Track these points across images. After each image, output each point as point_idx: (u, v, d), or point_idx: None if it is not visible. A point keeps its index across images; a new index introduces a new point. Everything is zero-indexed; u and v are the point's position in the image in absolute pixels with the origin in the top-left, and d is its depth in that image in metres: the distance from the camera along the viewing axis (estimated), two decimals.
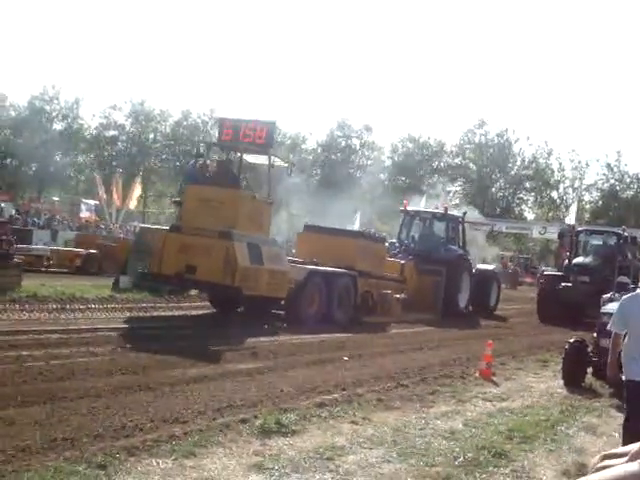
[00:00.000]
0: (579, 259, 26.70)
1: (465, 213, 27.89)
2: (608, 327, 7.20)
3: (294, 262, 17.90)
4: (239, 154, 17.33)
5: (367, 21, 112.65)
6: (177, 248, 15.59)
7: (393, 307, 20.54)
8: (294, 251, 22.05)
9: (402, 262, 22.69)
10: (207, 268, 15.12)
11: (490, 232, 59.59)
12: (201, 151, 17.93)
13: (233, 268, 14.89)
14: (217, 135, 17.73)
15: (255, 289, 15.61)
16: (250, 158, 17.67)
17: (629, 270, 24.77)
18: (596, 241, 28.54)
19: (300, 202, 33.47)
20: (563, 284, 25.61)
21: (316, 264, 18.11)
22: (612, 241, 27.53)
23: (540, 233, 58.62)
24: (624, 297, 7.23)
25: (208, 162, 17.44)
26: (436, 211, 26.74)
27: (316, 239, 19.94)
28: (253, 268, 15.44)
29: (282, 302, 16.97)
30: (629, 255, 27.22)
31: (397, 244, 24.98)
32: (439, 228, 26.18)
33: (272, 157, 17.40)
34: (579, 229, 29.68)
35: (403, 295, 21.30)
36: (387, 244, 23.55)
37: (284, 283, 16.32)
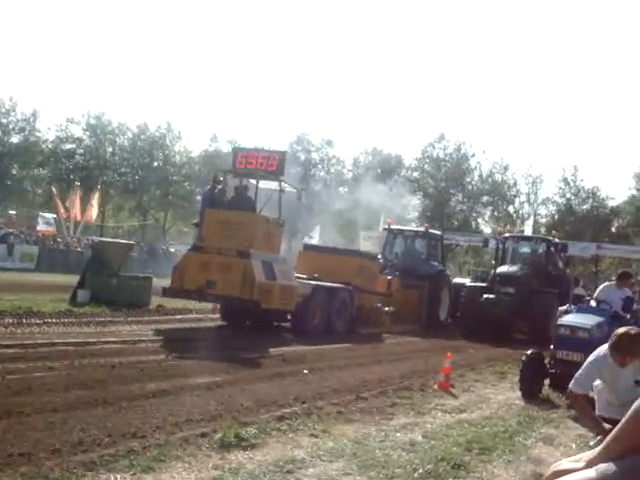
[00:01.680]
0: (503, 268, 24.67)
1: (443, 232, 29.45)
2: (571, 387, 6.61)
3: (298, 278, 19.17)
4: (251, 180, 18.76)
5: (327, 37, 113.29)
6: (198, 265, 17.34)
7: (383, 319, 22.42)
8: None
9: (389, 277, 24.01)
10: (227, 283, 16.89)
11: (456, 246, 60.24)
12: (219, 178, 19.22)
13: (251, 283, 16.69)
14: (232, 163, 19.60)
15: (270, 302, 17.31)
16: (261, 184, 18.72)
17: (560, 281, 23.97)
18: (524, 249, 26.65)
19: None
20: (485, 296, 23.57)
21: (317, 280, 19.53)
22: (541, 249, 26.04)
23: None
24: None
25: (226, 188, 18.82)
26: (418, 229, 28.64)
27: (315, 257, 21.76)
28: (268, 283, 17.20)
29: (289, 316, 18.77)
30: (560, 264, 25.95)
31: (382, 260, 25.48)
32: (421, 245, 27.66)
33: (282, 183, 18.78)
34: (505, 235, 27.39)
35: (391, 308, 22.94)
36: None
37: (293, 297, 18.07)
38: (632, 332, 5.92)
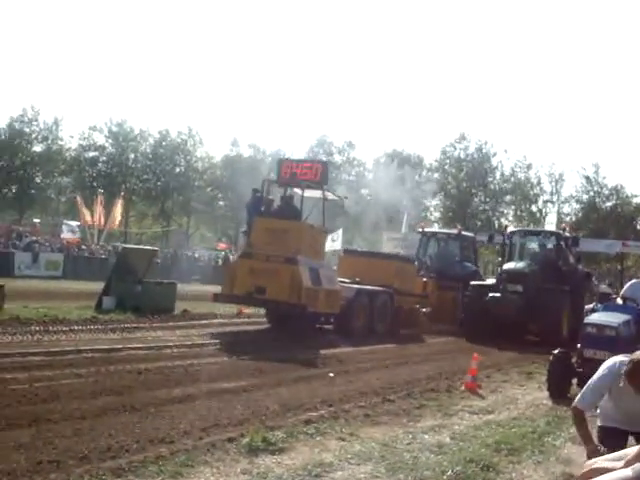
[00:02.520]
0: (509, 265, 23.13)
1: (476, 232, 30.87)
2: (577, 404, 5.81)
3: (341, 282, 19.92)
4: (296, 189, 19.62)
5: (346, 39, 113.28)
6: (248, 271, 18.09)
7: (421, 320, 22.74)
8: None
9: (425, 279, 24.65)
10: (275, 289, 17.63)
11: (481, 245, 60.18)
12: (264, 187, 19.91)
13: (299, 288, 17.46)
14: (277, 173, 20.52)
15: (316, 306, 18.07)
16: (305, 193, 19.54)
17: (572, 277, 23.05)
18: (532, 244, 25.22)
19: None
20: (491, 295, 22.18)
21: (359, 283, 20.32)
22: (551, 243, 24.45)
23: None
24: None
25: (272, 197, 19.75)
26: (451, 232, 29.18)
27: (356, 261, 22.56)
28: (314, 289, 17.95)
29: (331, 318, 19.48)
30: (571, 259, 24.30)
31: (417, 263, 25.59)
32: (454, 247, 28.12)
33: (326, 192, 19.65)
34: (512, 230, 25.92)
35: (428, 309, 23.45)
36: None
37: (337, 300, 18.80)
38: None
